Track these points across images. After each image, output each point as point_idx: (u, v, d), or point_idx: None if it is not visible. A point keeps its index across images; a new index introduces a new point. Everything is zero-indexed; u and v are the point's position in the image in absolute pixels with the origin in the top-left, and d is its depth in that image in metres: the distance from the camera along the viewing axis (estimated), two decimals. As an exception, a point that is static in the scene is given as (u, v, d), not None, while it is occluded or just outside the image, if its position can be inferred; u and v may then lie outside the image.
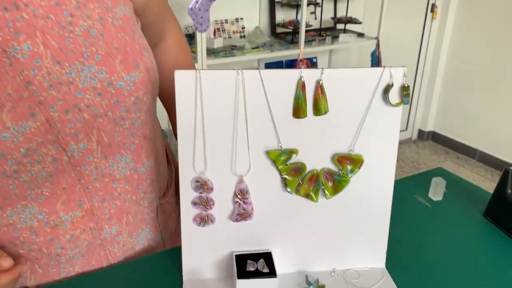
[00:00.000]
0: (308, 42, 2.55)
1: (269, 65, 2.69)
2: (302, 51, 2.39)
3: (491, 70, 3.02)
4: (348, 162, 0.62)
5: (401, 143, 3.58)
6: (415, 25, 3.25)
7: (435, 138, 3.58)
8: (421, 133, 3.62)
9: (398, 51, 3.16)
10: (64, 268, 0.68)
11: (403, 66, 0.60)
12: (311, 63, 2.85)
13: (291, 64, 2.76)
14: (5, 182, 0.57)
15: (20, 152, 0.56)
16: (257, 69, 0.57)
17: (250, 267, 0.61)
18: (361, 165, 0.63)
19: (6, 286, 0.57)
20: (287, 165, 0.61)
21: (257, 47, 2.44)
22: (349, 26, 2.84)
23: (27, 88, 0.54)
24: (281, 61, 2.75)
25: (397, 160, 3.24)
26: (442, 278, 0.67)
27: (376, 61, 2.62)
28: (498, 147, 3.06)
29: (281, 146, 0.61)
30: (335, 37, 2.71)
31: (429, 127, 3.58)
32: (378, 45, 2.63)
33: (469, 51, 3.14)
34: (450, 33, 3.25)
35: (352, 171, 0.63)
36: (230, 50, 2.38)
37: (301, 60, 2.33)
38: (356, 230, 0.66)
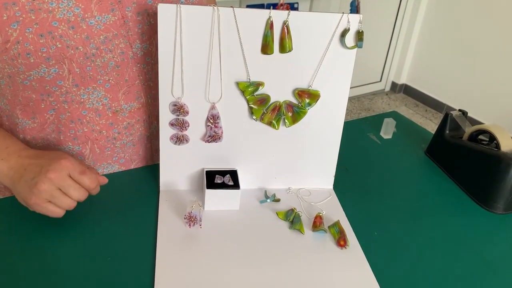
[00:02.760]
0: (290, -13, 2.57)
1: (251, 7, 2.70)
2: (283, -5, 2.41)
3: (466, 30, 3.10)
4: (307, 96, 0.72)
5: (374, 94, 3.70)
6: (397, -23, 3.26)
7: (407, 91, 3.70)
8: (394, 85, 3.74)
9: (377, 2, 3.19)
10: (116, 153, 0.80)
11: (360, 14, 0.69)
12: (292, 8, 2.86)
13: (273, 7, 2.77)
14: (85, 63, 0.68)
15: (100, 38, 0.67)
16: (231, 7, 0.65)
17: (218, 180, 0.72)
18: (317, 99, 0.72)
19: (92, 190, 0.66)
20: (254, 95, 0.71)
21: (239, -11, 2.44)
22: (333, -27, 2.84)
23: None
24: (263, 4, 2.76)
25: (368, 110, 3.34)
26: (380, 200, 0.80)
27: (355, 10, 2.66)
28: (465, 103, 3.22)
29: (249, 79, 0.69)
30: (317, -16, 2.73)
31: (402, 80, 3.69)
32: (358, -5, 2.67)
33: (447, 9, 3.20)
34: (431, -12, 3.28)
35: (309, 104, 0.72)
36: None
37: (281, 4, 2.36)
38: (310, 155, 0.77)
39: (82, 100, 0.72)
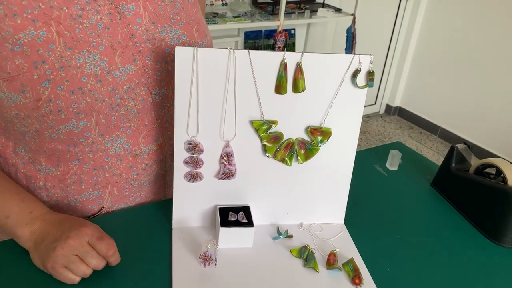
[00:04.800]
0: (287, 14, 2.62)
1: (249, 34, 2.75)
2: (281, 23, 2.45)
3: (459, 52, 3.17)
4: (319, 133, 0.73)
5: (369, 116, 3.74)
6: (390, 5, 3.34)
7: (401, 113, 3.75)
8: (388, 108, 3.79)
9: (372, 29, 3.26)
10: (133, 193, 0.81)
11: (371, 54, 0.71)
12: (289, 35, 2.92)
13: (270, 34, 2.82)
14: (110, 113, 0.69)
15: (123, 89, 0.69)
16: (244, 48, 0.66)
17: (231, 218, 0.72)
18: (329, 137, 0.74)
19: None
20: (267, 133, 0.72)
21: (238, 16, 2.49)
22: (328, 1, 2.91)
23: (131, 39, 0.68)
24: (261, 31, 2.81)
25: (364, 133, 3.38)
26: (390, 234, 0.80)
27: (351, 37, 2.72)
28: (458, 125, 3.27)
29: (263, 117, 0.71)
30: (313, 11, 2.78)
31: (396, 103, 3.74)
32: (354, 22, 2.72)
33: (440, 32, 3.28)
34: (423, 14, 3.37)
35: (321, 141, 0.74)
36: (212, 17, 2.42)
37: (280, 32, 2.40)
38: (322, 191, 0.78)
39: (106, 148, 0.73)
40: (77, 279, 0.62)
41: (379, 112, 3.83)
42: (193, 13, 0.78)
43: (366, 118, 3.69)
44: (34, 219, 0.66)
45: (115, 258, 0.65)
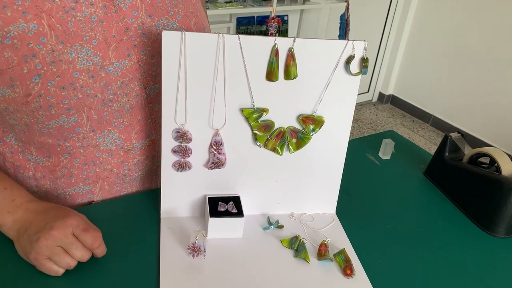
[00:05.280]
0: (280, 0, 2.58)
1: (241, 20, 2.70)
2: (274, 9, 2.41)
3: (452, 40, 3.16)
4: (311, 122, 0.71)
5: (361, 104, 3.73)
6: (385, -10, 3.31)
7: (394, 101, 3.75)
8: (381, 96, 3.78)
9: (366, 16, 3.23)
10: (125, 188, 0.79)
11: (365, 41, 0.68)
12: (282, 21, 2.88)
13: (262, 20, 2.78)
14: (102, 108, 0.67)
15: (117, 84, 0.66)
16: (236, 34, 0.64)
17: (221, 208, 0.71)
18: (321, 125, 0.72)
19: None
20: (258, 122, 0.70)
21: (230, 2, 2.44)
22: (322, -14, 2.87)
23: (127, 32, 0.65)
24: (253, 17, 2.76)
25: (357, 121, 3.38)
26: (382, 224, 0.79)
27: (344, 24, 2.69)
28: (451, 114, 3.27)
29: (254, 105, 0.69)
30: (307, -3, 2.75)
31: (389, 91, 3.73)
32: (347, 8, 2.69)
33: (433, 21, 3.26)
34: (417, 2, 3.34)
35: (313, 130, 0.72)
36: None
37: (272, 18, 2.36)
38: (313, 180, 0.76)
39: (97, 143, 0.71)
40: (61, 271, 0.60)
41: (372, 100, 3.82)
42: (192, 4, 0.75)
43: (359, 106, 3.68)
44: (17, 207, 0.63)
45: (101, 250, 0.63)
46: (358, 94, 3.70)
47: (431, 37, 3.30)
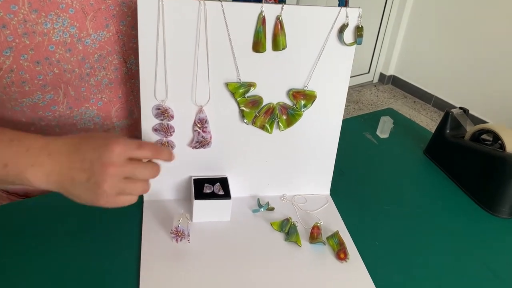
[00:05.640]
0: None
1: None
2: (270, -14, 2.34)
3: (454, 20, 3.08)
4: (302, 97, 0.66)
5: (362, 85, 3.66)
6: (385, -33, 3.22)
7: (395, 82, 3.68)
8: (382, 77, 3.71)
9: (366, -7, 3.14)
10: None
11: (359, 7, 0.63)
12: (280, 1, 2.80)
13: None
14: (80, 84, 0.63)
15: (94, 57, 0.62)
16: (219, 0, 0.59)
17: (207, 190, 0.66)
18: (314, 101, 0.67)
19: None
20: (245, 97, 0.65)
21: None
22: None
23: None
24: (249, -5, 2.68)
25: (357, 102, 3.30)
26: (378, 205, 0.75)
27: (343, 2, 2.60)
28: (453, 94, 3.21)
29: (240, 79, 0.64)
30: (305, -26, 2.66)
31: (390, 71, 3.66)
32: (347, -15, 2.61)
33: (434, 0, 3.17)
34: (419, -22, 3.25)
35: (305, 106, 0.67)
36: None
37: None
38: (306, 160, 0.72)
39: (74, 122, 0.67)
40: (136, 198, 0.54)
41: (372, 81, 3.75)
42: None
43: (359, 87, 3.62)
44: (37, 157, 0.51)
45: (166, 152, 0.55)
46: (359, 75, 3.64)
47: (433, 17, 3.21)
